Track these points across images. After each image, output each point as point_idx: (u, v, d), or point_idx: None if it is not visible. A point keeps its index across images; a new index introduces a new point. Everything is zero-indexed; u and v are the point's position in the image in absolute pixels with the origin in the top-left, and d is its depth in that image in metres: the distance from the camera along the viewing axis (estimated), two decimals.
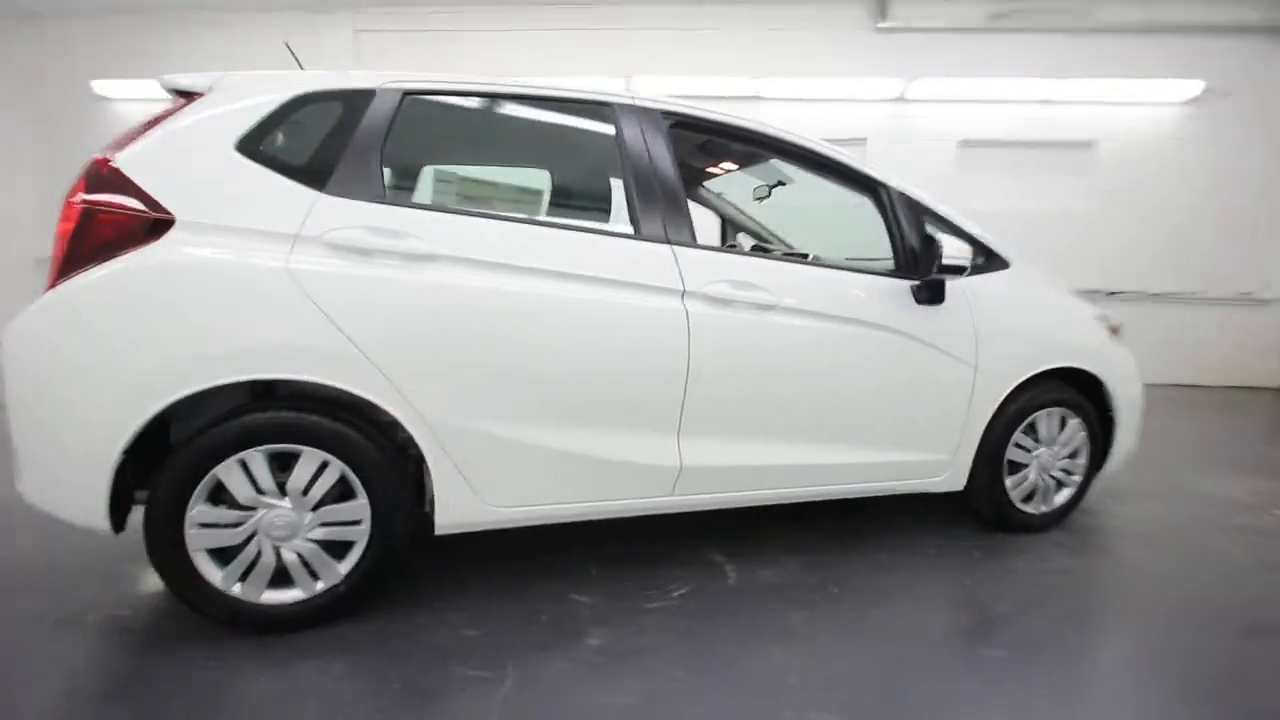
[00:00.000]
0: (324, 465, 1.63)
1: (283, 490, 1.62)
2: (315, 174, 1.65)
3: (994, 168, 6.17)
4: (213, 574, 1.60)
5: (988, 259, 2.37)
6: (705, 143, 2.15)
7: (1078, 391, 2.49)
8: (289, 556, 1.64)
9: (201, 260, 1.53)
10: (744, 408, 2.00)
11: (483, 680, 1.53)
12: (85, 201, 1.50)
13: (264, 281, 1.55)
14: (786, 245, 3.08)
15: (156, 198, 1.53)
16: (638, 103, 1.98)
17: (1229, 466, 3.62)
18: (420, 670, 1.56)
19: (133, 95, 6.05)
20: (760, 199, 2.93)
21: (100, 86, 6.14)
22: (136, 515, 1.61)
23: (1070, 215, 6.13)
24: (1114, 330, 2.61)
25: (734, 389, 1.97)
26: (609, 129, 1.96)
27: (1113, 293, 5.98)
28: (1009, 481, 2.43)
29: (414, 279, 1.65)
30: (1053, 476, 2.51)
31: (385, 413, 1.67)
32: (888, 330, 2.13)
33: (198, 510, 1.56)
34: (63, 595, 1.86)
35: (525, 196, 2.28)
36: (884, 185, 2.23)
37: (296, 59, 2.26)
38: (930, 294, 2.15)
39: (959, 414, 2.28)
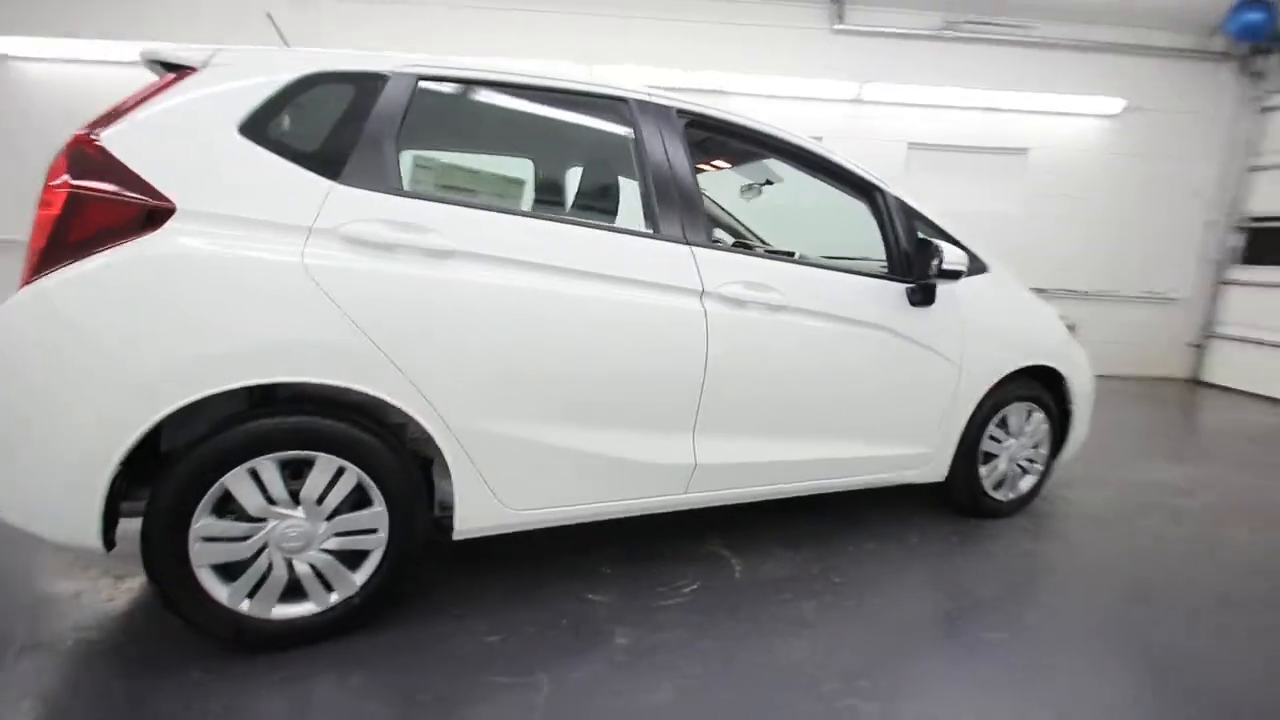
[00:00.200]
0: (339, 472, 1.55)
1: (295, 499, 1.53)
2: (327, 162, 1.55)
3: (939, 170, 6.47)
4: (218, 590, 1.50)
5: (970, 263, 2.50)
6: (705, 140, 2.16)
7: (1042, 387, 2.67)
8: (302, 569, 1.56)
9: (209, 253, 1.41)
10: (755, 405, 2.04)
11: (516, 687, 1.51)
12: (74, 186, 1.35)
13: (278, 277, 1.45)
14: (764, 243, 3.13)
15: (153, 183, 1.40)
16: (653, 99, 1.96)
17: (1158, 453, 3.98)
18: (448, 681, 1.52)
19: (39, 54, 5.45)
20: (750, 198, 2.96)
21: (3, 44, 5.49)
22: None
23: (1005, 216, 6.51)
24: (1071, 329, 2.82)
25: (746, 387, 2.00)
26: (626, 125, 1.93)
27: (1041, 290, 6.40)
28: (983, 471, 2.60)
29: (435, 275, 1.59)
30: (1020, 465, 2.70)
31: (394, 415, 1.60)
32: (885, 330, 2.21)
33: (203, 523, 1.45)
34: (28, 619, 1.69)
35: (542, 193, 2.21)
36: (880, 190, 2.31)
37: (281, 34, 2.10)
38: (924, 296, 2.25)
39: (945, 409, 2.40)
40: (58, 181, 1.37)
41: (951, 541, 2.47)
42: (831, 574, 2.15)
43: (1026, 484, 2.74)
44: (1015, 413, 2.61)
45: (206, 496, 1.45)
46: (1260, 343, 6.07)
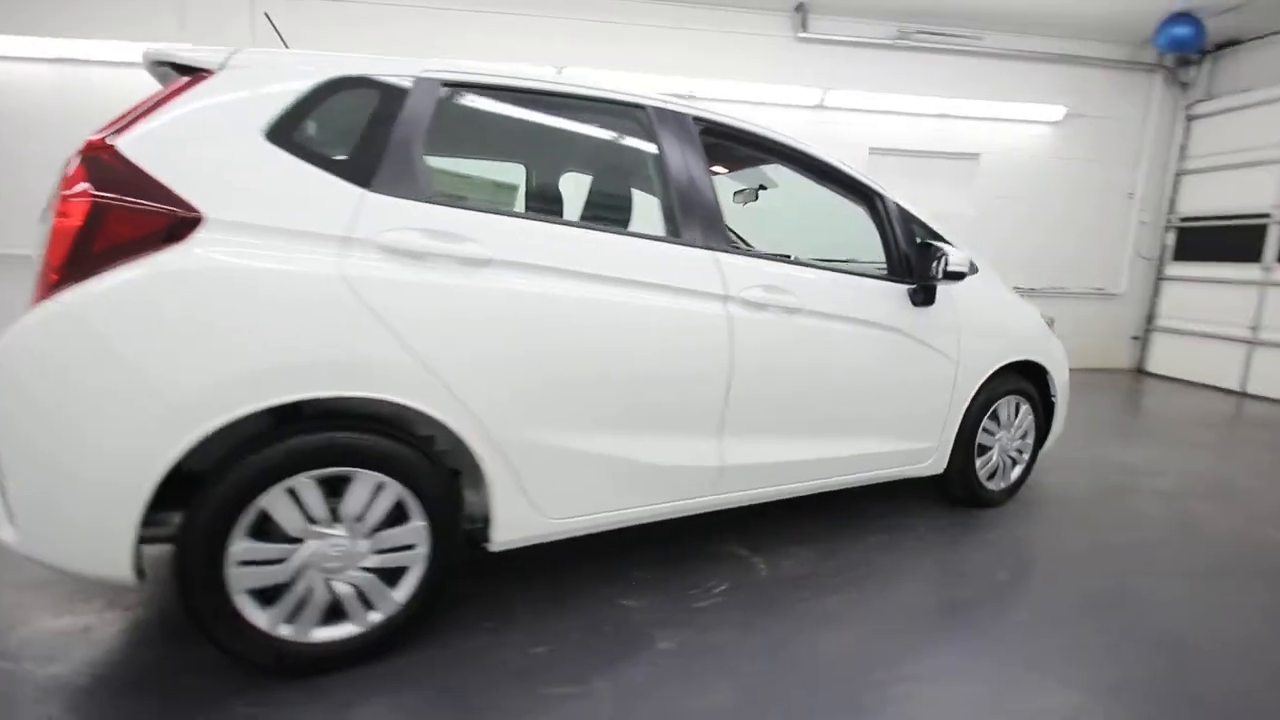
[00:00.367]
0: (378, 487, 1.51)
1: (334, 517, 1.48)
2: (357, 169, 1.51)
3: (899, 174, 6.71)
4: (256, 616, 1.43)
5: None
6: (714, 146, 2.19)
7: (1027, 380, 2.81)
8: (343, 589, 1.50)
9: (243, 266, 1.35)
10: (776, 406, 2.08)
11: (574, 697, 1.50)
12: (96, 196, 1.28)
13: (317, 289, 1.40)
14: (750, 247, 3.19)
15: (179, 192, 1.33)
16: (670, 106, 1.99)
17: (1118, 438, 4.23)
18: (504, 695, 1.49)
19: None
20: (745, 203, 3.02)
21: None
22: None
23: (961, 218, 6.80)
24: (1050, 324, 2.98)
25: (768, 389, 2.04)
26: (646, 131, 1.95)
27: None
28: (978, 463, 2.71)
29: (471, 284, 1.56)
30: (1010, 456, 2.83)
31: (421, 427, 1.57)
32: (892, 330, 2.29)
33: (240, 547, 1.39)
34: (39, 658, 1.57)
35: (563, 200, 2.19)
36: (880, 195, 2.39)
37: (280, 35, 2.03)
38: (925, 296, 2.34)
39: (944, 404, 2.50)
40: (76, 190, 1.29)
41: (954, 531, 2.57)
42: (850, 568, 2.21)
43: (1015, 473, 2.88)
44: (1005, 406, 2.74)
45: (243, 518, 1.38)
46: (1194, 334, 6.53)
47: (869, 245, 2.42)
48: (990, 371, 2.60)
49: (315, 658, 1.50)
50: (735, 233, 3.22)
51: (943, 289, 2.40)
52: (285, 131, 1.46)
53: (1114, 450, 3.87)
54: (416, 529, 1.56)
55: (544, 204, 2.27)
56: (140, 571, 1.36)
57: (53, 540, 1.31)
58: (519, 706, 1.46)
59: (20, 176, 4.45)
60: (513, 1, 5.79)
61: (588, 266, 1.71)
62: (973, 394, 2.57)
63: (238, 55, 1.49)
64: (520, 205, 2.36)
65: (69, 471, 1.27)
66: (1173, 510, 2.91)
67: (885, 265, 2.42)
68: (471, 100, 1.77)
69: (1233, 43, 6.33)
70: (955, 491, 2.74)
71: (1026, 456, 2.90)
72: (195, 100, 1.42)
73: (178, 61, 1.51)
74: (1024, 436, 2.85)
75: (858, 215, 2.41)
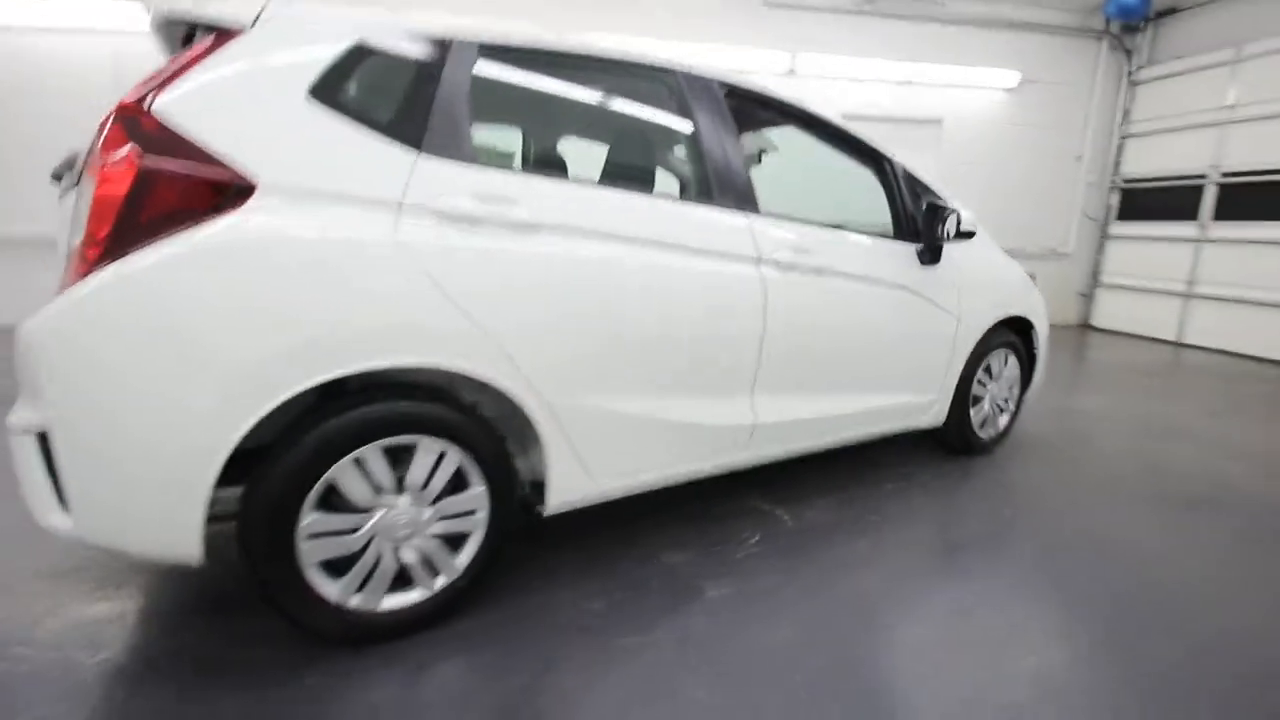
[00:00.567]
0: (440, 455, 1.51)
1: (399, 486, 1.47)
2: (406, 131, 1.47)
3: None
4: (327, 587, 1.42)
5: None
6: (735, 110, 2.19)
7: (1015, 334, 2.98)
8: (409, 557, 1.51)
9: (301, 232, 1.30)
10: (802, 364, 2.15)
11: (643, 646, 1.55)
12: (143, 162, 1.20)
13: (377, 256, 1.37)
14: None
15: (228, 157, 1.27)
16: (699, 71, 1.98)
17: (1074, 388, 4.53)
18: (575, 648, 1.54)
19: None
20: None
21: None
22: None
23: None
24: (1032, 279, 3.15)
25: (795, 347, 2.10)
26: (678, 96, 1.95)
27: None
28: (972, 413, 2.87)
29: (524, 249, 1.55)
30: (998, 405, 3.00)
31: (466, 394, 1.57)
32: (904, 289, 2.39)
33: (311, 519, 1.37)
34: (84, 647, 1.52)
35: (606, 165, 2.16)
36: (888, 159, 2.46)
37: None
38: (933, 256, 2.44)
39: (947, 359, 2.63)
40: (118, 156, 1.21)
41: (954, 477, 2.73)
42: (869, 514, 2.33)
43: (1003, 422, 3.06)
44: (996, 359, 2.90)
45: (313, 491, 1.36)
46: (1136, 289, 6.97)
47: (867, 206, 2.49)
48: (987, 327, 2.74)
49: (385, 625, 1.51)
50: None
51: (945, 249, 2.51)
52: (330, 91, 1.40)
53: (1075, 399, 4.14)
54: (476, 495, 1.57)
55: (589, 169, 2.23)
56: (206, 551, 1.33)
57: (114, 524, 1.26)
58: (592, 658, 1.51)
59: None
60: None
61: (631, 230, 1.72)
62: (971, 348, 2.71)
63: (268, 10, 1.41)
64: (562, 170, 2.31)
65: (132, 452, 1.22)
66: (1137, 450, 3.16)
67: (892, 226, 2.50)
68: (507, 62, 1.72)
69: (1172, 10, 6.66)
70: (952, 441, 2.90)
71: (1013, 406, 3.08)
72: (231, 60, 1.34)
73: (200, 20, 1.41)
74: (1011, 388, 3.03)
75: (857, 177, 2.48)
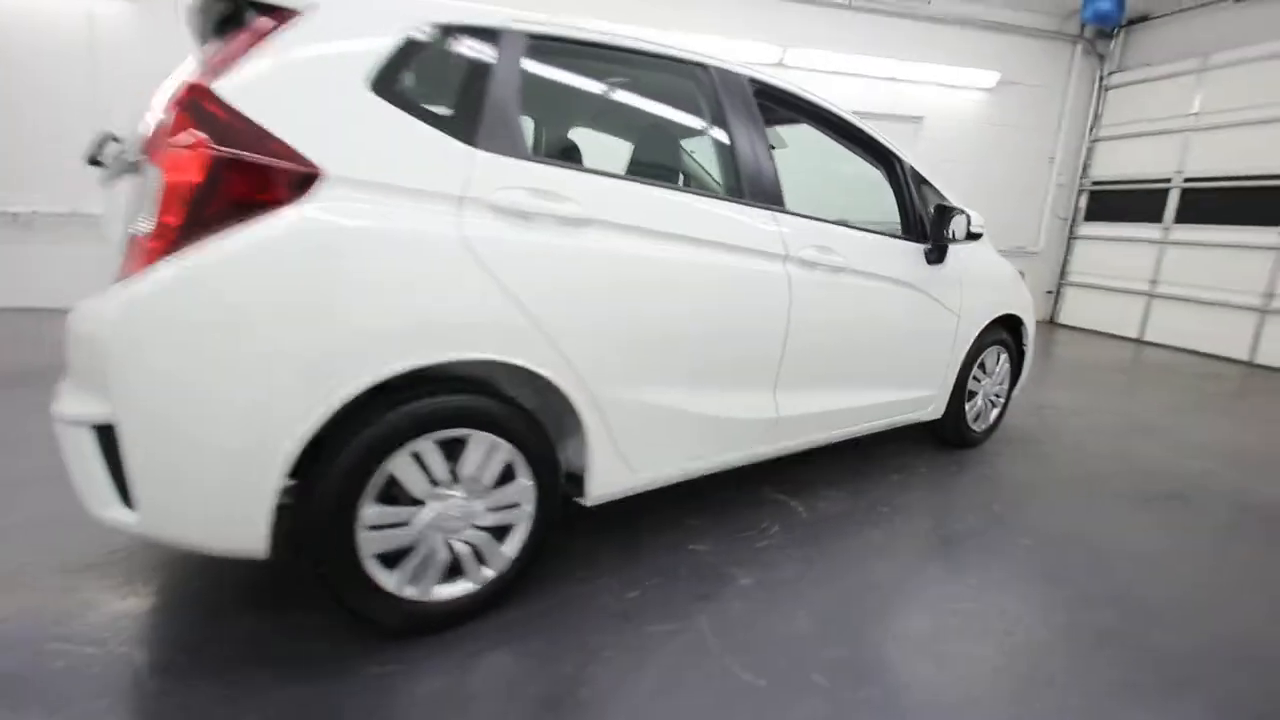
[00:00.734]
0: (491, 448, 1.53)
1: (453, 478, 1.49)
2: (462, 125, 1.47)
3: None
4: (384, 578, 1.44)
5: None
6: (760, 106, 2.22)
7: (1006, 331, 3.12)
8: (460, 548, 1.53)
9: (369, 225, 1.31)
10: (819, 359, 2.22)
11: (681, 632, 1.61)
12: (215, 149, 1.19)
13: (440, 250, 1.38)
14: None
15: (296, 146, 1.26)
16: (730, 68, 2.01)
17: (1047, 384, 4.73)
18: (617, 635, 1.59)
19: None
20: None
21: None
22: None
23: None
24: (1022, 275, 3.29)
25: (814, 343, 2.17)
26: (709, 91, 1.98)
27: None
28: (967, 407, 3.00)
29: (574, 244, 1.57)
30: (990, 400, 3.14)
31: (507, 387, 1.59)
32: (911, 287, 2.48)
33: (370, 511, 1.38)
34: (126, 642, 1.50)
35: (640, 159, 2.17)
36: (899, 158, 2.54)
37: None
38: (939, 255, 2.54)
39: (948, 355, 2.74)
40: (186, 141, 1.19)
41: (951, 469, 2.86)
42: (878, 505, 2.43)
43: (993, 415, 3.21)
44: (989, 355, 3.03)
45: (371, 484, 1.37)
46: (1101, 288, 7.29)
47: (878, 205, 2.57)
48: (985, 325, 2.86)
49: (438, 615, 1.53)
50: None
51: (949, 249, 2.60)
52: (388, 82, 1.39)
53: (1050, 394, 4.34)
54: (524, 487, 1.60)
55: (635, 164, 2.24)
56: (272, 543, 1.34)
57: (182, 518, 1.26)
58: (634, 644, 1.56)
59: None
60: None
61: (672, 227, 1.75)
62: (970, 345, 2.83)
63: None
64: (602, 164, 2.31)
65: (205, 446, 1.22)
66: (1111, 445, 3.34)
67: (901, 225, 2.58)
68: (554, 53, 1.73)
69: (1144, 18, 6.92)
70: (947, 434, 3.03)
71: (1003, 400, 3.23)
72: (293, 44, 1.32)
73: None
74: (1001, 383, 3.17)
75: (868, 175, 2.56)
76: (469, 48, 1.52)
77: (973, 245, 2.82)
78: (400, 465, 1.40)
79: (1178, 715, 1.44)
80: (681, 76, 1.99)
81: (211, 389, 1.20)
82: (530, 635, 1.58)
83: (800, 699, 1.42)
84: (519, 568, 1.64)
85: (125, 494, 1.25)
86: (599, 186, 1.65)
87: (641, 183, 1.75)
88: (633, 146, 2.10)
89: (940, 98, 7.11)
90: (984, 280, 2.89)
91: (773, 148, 3.06)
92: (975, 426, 3.09)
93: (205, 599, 1.66)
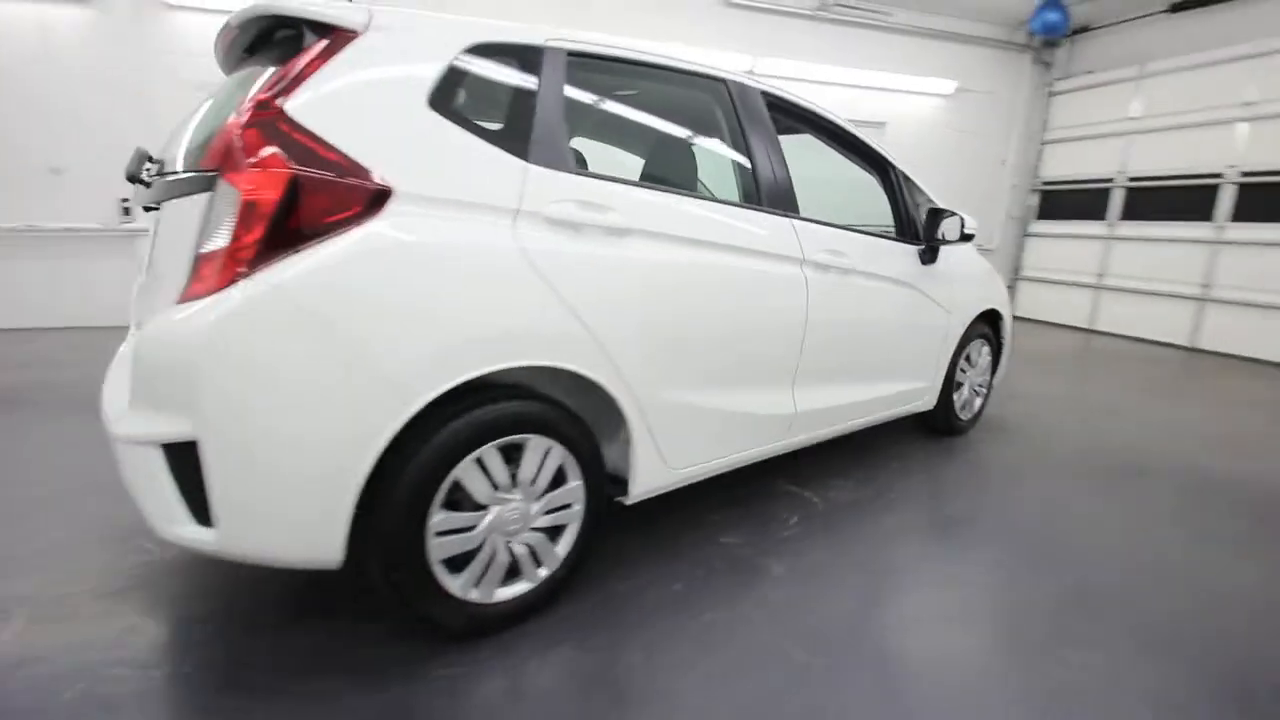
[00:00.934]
0: (546, 452, 1.58)
1: (511, 482, 1.54)
2: (514, 140, 1.52)
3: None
4: (450, 582, 1.47)
5: None
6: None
7: (987, 325, 3.31)
8: (519, 550, 1.58)
9: (438, 240, 1.35)
10: (830, 357, 2.34)
11: (733, 620, 1.69)
12: (295, 169, 1.21)
13: (502, 262, 1.43)
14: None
15: (367, 164, 1.29)
16: (745, 80, 2.11)
17: (1014, 374, 5.00)
18: (673, 625, 1.66)
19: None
20: None
21: None
22: None
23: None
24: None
25: (827, 341, 2.29)
26: (728, 104, 2.07)
27: None
28: (955, 398, 3.18)
29: (618, 253, 1.64)
30: (975, 390, 3.33)
31: (549, 391, 1.64)
32: (908, 286, 2.63)
33: (439, 518, 1.42)
34: (169, 655, 1.49)
35: (669, 170, 2.22)
36: (892, 165, 2.69)
37: None
38: (932, 256, 2.69)
39: (939, 349, 2.91)
40: (262, 158, 1.21)
41: (943, 456, 3.03)
42: (885, 492, 2.57)
43: (978, 404, 3.40)
44: (974, 348, 3.22)
45: (441, 490, 1.41)
46: (1053, 282, 7.71)
47: (875, 209, 2.72)
48: (971, 319, 3.04)
49: (499, 616, 1.57)
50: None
51: (940, 249, 2.76)
52: (445, 99, 1.44)
53: (1015, 383, 4.59)
54: (574, 488, 1.66)
55: (660, 175, 2.30)
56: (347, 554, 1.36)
57: (262, 534, 1.27)
58: (689, 634, 1.63)
59: None
60: None
61: (704, 234, 1.84)
62: (959, 339, 3.00)
63: (380, 14, 1.43)
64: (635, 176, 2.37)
65: (289, 461, 1.24)
66: (1081, 428, 3.59)
67: (895, 227, 2.73)
68: (592, 70, 1.79)
69: (1086, 29, 7.36)
70: (937, 424, 3.20)
71: (986, 390, 3.42)
72: (355, 64, 1.36)
73: (310, 18, 1.41)
74: (984, 373, 3.37)
75: (866, 181, 2.70)
76: (511, 66, 1.58)
77: (959, 245, 2.99)
78: (467, 471, 1.44)
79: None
80: (703, 90, 2.07)
81: (296, 405, 1.22)
82: (589, 630, 1.63)
83: (857, 673, 1.51)
84: (570, 566, 1.69)
85: (197, 511, 1.26)
86: (637, 197, 1.72)
87: (672, 192, 1.83)
88: (659, 158, 2.17)
89: (901, 104, 7.41)
90: (969, 277, 3.07)
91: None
92: (962, 415, 3.27)
93: (255, 615, 1.66)
